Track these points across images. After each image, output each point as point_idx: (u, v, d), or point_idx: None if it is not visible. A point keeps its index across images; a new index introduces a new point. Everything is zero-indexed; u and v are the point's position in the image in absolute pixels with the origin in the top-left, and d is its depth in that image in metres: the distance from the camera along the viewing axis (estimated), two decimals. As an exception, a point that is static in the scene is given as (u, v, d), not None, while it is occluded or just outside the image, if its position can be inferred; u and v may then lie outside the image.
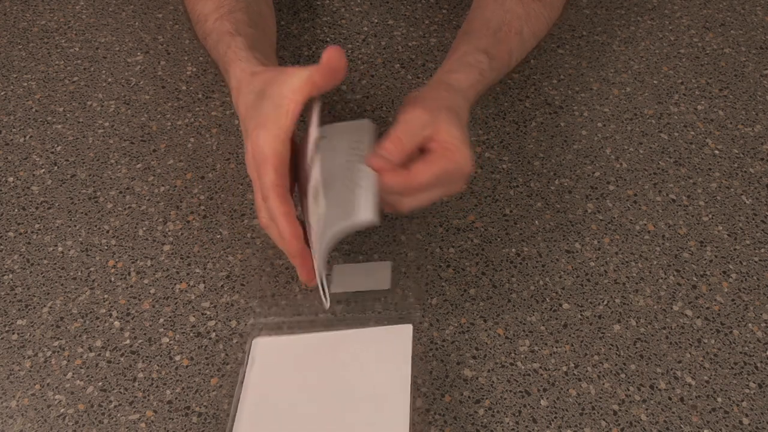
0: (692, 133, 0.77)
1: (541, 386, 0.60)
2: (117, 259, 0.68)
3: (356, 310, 0.62)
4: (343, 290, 0.63)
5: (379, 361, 0.57)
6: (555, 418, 0.58)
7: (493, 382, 0.60)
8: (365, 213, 0.55)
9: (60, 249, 0.69)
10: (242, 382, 0.58)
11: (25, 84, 0.82)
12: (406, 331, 0.58)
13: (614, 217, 0.70)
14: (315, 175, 0.53)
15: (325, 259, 0.57)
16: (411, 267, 0.66)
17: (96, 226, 0.70)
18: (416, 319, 0.60)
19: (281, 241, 0.55)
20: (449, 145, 0.56)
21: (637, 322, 0.64)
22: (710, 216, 0.71)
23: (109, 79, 0.82)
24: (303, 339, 0.60)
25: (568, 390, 0.60)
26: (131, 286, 0.66)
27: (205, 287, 0.66)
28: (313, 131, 0.53)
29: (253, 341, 0.60)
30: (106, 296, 0.65)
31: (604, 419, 0.58)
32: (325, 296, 0.56)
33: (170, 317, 0.64)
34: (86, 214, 0.71)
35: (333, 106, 0.79)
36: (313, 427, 0.54)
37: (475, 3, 0.74)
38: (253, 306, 0.64)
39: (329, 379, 0.57)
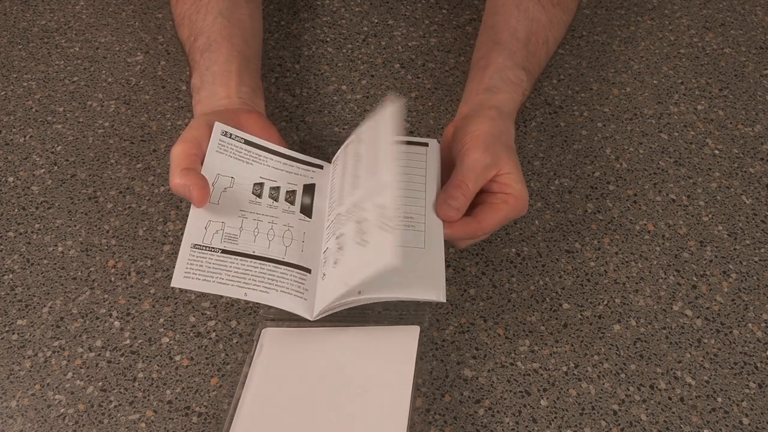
0: (692, 133, 0.77)
1: (541, 386, 0.60)
2: (117, 259, 0.68)
3: (356, 309, 0.62)
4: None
5: (382, 360, 0.57)
6: (555, 418, 0.58)
7: (493, 382, 0.60)
8: (435, 291, 0.53)
9: (60, 249, 0.69)
10: (243, 382, 0.58)
11: (25, 84, 0.82)
12: (412, 332, 0.58)
13: (614, 217, 0.70)
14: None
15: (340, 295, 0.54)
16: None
17: (96, 226, 0.70)
18: (424, 321, 0.59)
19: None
20: (511, 189, 0.57)
21: (637, 322, 0.63)
22: (710, 216, 0.71)
23: (109, 79, 0.82)
24: (311, 332, 0.60)
25: (568, 390, 0.60)
26: (131, 286, 0.66)
27: (205, 287, 0.66)
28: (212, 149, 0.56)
29: (263, 330, 0.60)
30: (106, 296, 0.65)
31: (604, 419, 0.58)
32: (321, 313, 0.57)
33: (170, 317, 0.64)
34: (86, 214, 0.71)
35: (333, 106, 0.79)
36: (311, 421, 0.54)
37: (493, 8, 0.71)
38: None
39: (332, 374, 0.57)
